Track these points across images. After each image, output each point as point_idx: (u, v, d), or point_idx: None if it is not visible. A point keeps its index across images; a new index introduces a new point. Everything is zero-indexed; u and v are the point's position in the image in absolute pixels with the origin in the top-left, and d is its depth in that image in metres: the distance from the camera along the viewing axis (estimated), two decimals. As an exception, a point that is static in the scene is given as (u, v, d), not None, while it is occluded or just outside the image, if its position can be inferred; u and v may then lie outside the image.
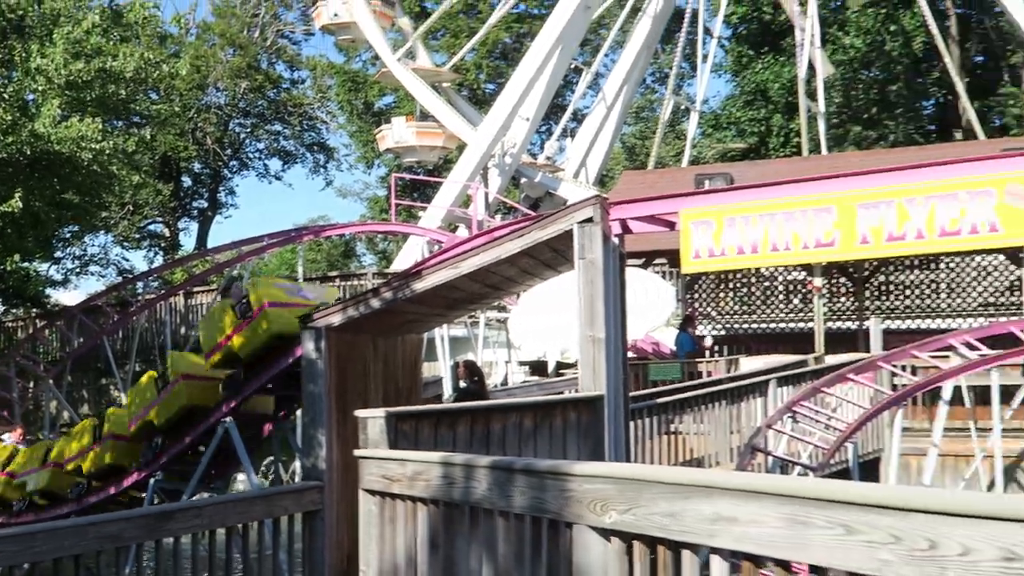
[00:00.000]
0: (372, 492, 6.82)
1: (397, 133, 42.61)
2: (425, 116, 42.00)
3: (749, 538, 3.44)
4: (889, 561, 2.90)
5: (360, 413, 7.46)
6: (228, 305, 14.52)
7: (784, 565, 3.39)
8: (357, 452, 7.14)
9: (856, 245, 8.67)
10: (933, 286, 25.96)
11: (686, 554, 3.82)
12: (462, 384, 15.01)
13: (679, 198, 9.61)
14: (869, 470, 19.61)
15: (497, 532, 5.28)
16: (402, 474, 6.35)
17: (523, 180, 42.58)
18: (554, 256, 10.03)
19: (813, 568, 3.23)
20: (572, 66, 43.84)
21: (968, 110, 37.03)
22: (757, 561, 3.49)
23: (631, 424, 14.04)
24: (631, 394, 16.11)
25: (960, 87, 37.83)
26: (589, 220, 8.91)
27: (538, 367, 25.97)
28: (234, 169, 60.95)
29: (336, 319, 10.08)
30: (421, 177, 45.60)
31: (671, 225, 9.79)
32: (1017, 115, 43.27)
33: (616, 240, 9.97)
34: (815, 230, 8.76)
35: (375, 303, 9.79)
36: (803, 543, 3.21)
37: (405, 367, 12.79)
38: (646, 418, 15.26)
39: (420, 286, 9.66)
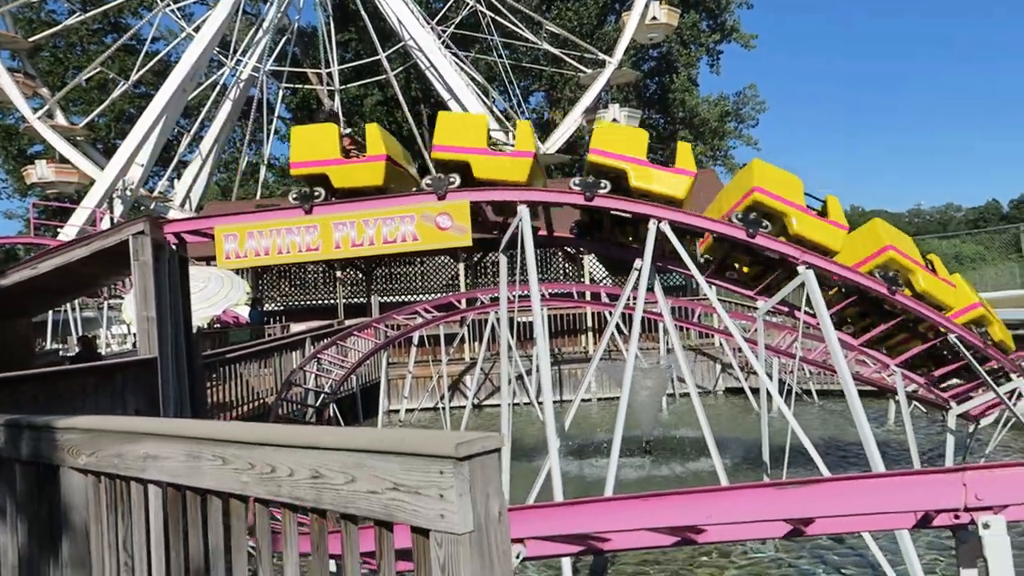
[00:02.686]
0: (-72, 450, 5.23)
1: (39, 171, 36.01)
2: (65, 160, 35.79)
3: (167, 471, 2.78)
4: (248, 483, 2.40)
5: (-78, 386, 5.72)
6: (338, 132, 8.85)
7: (191, 490, 2.76)
8: (-81, 418, 5.44)
9: (333, 250, 8.24)
10: (411, 275, 26.60)
11: (133, 485, 3.08)
12: (76, 351, 12.73)
13: (214, 219, 8.56)
14: (371, 391, 19.56)
15: (16, 475, 4.15)
16: (-52, 434, 4.88)
17: (142, 208, 37.75)
18: (122, 258, 8.55)
19: (206, 491, 2.64)
20: (176, 130, 39.62)
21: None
22: (176, 488, 2.83)
23: (212, 373, 12.73)
24: (213, 351, 14.74)
25: (430, 163, 38.93)
26: (141, 232, 7.64)
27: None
28: (-92, 197, 48.06)
29: (-70, 311, 7.86)
30: (62, 204, 38.41)
31: (211, 236, 8.71)
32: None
33: (174, 247, 8.68)
34: (306, 240, 8.20)
35: (-36, 297, 7.73)
36: (199, 472, 2.62)
37: (18, 343, 10.49)
38: (222, 367, 13.99)
39: (4, 283, 7.76)
